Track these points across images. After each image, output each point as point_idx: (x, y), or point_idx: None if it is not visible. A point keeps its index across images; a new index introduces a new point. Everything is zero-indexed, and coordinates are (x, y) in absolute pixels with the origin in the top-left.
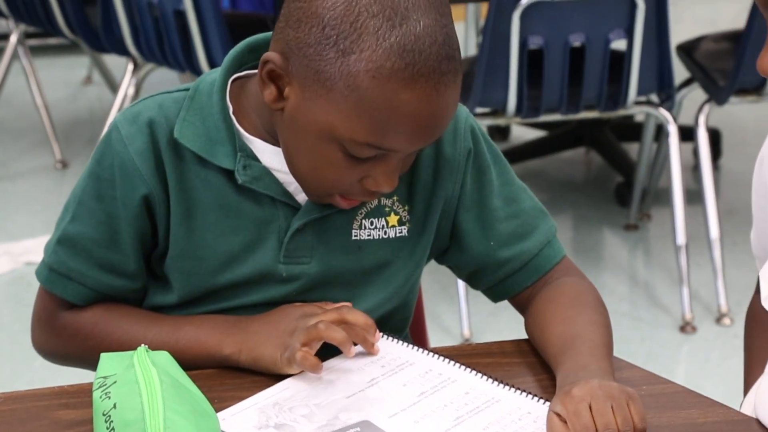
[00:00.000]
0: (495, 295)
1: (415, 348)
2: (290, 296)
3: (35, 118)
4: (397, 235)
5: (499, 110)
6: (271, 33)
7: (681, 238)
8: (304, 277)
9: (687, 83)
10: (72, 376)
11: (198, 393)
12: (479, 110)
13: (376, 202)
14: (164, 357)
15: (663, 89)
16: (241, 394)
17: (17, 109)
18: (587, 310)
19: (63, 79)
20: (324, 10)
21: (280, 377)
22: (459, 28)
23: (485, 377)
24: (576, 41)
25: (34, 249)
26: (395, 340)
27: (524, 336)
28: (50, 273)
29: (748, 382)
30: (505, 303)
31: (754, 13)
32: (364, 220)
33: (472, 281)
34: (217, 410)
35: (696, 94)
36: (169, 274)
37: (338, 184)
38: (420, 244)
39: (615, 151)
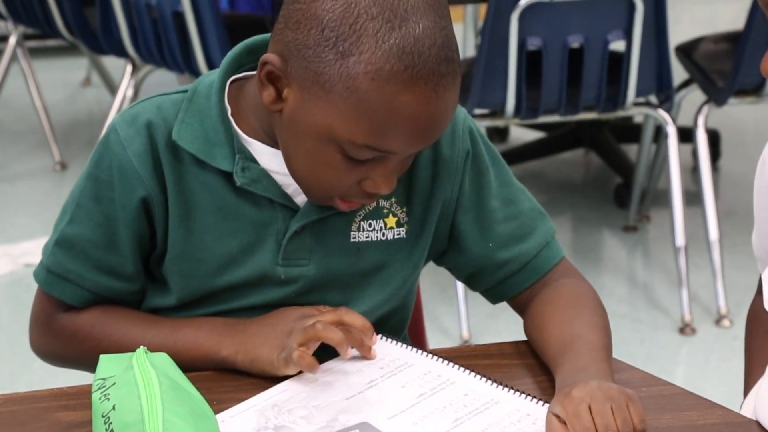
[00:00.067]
0: (494, 297)
1: (414, 349)
2: (288, 298)
3: (34, 120)
4: (396, 236)
5: (497, 111)
6: (269, 34)
7: (680, 240)
8: (303, 279)
9: (686, 84)
10: (71, 377)
11: (197, 395)
12: (478, 111)
13: (374, 203)
14: (163, 358)
15: (662, 90)
16: (240, 395)
17: (16, 110)
18: (586, 311)
19: (62, 80)
20: (323, 11)
21: (278, 379)
22: (457, 29)
23: (484, 379)
24: (575, 42)
25: (33, 251)
26: (394, 342)
27: (523, 337)
28: (48, 275)
29: (749, 384)
30: (504, 304)
31: (753, 14)
32: (362, 222)
33: (471, 283)
34: (216, 412)
35: (695, 95)
36: (168, 276)
37: (337, 186)
38: (418, 245)
39: (614, 152)
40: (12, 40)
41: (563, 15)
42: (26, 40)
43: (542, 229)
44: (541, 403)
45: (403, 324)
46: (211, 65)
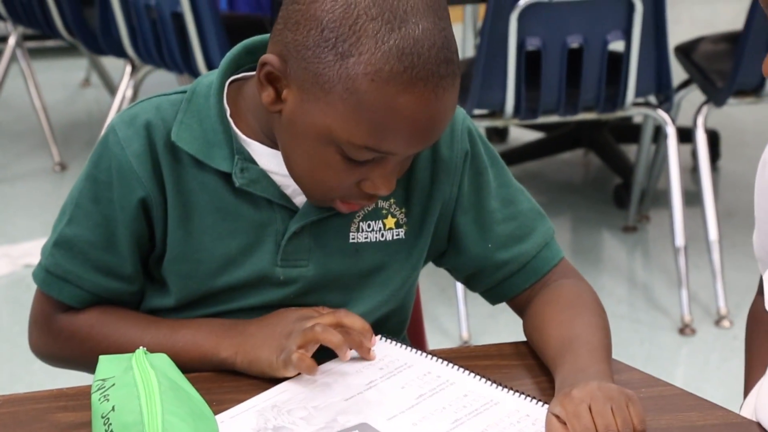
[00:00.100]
0: (493, 298)
1: (414, 350)
2: (287, 299)
3: (33, 121)
4: (394, 237)
5: (497, 112)
6: (268, 35)
7: (680, 240)
8: (302, 280)
9: (685, 84)
10: (71, 378)
11: (196, 395)
12: (477, 112)
13: (373, 204)
14: (163, 359)
15: (661, 91)
16: (239, 396)
17: (15, 111)
18: (586, 312)
19: (61, 81)
20: (323, 12)
21: (278, 380)
22: (457, 30)
23: (484, 379)
24: (574, 42)
25: (32, 251)
26: (393, 343)
27: (523, 338)
28: (47, 275)
29: (749, 384)
30: (504, 305)
31: (752, 14)
32: (361, 223)
33: (470, 283)
34: (216, 413)
35: (694, 96)
36: (167, 277)
37: (336, 187)
38: (417, 246)
39: (613, 152)
40: (11, 40)
41: (562, 15)
42: (26, 40)
43: (541, 230)
44: (540, 403)
45: (402, 325)
46: (211, 66)
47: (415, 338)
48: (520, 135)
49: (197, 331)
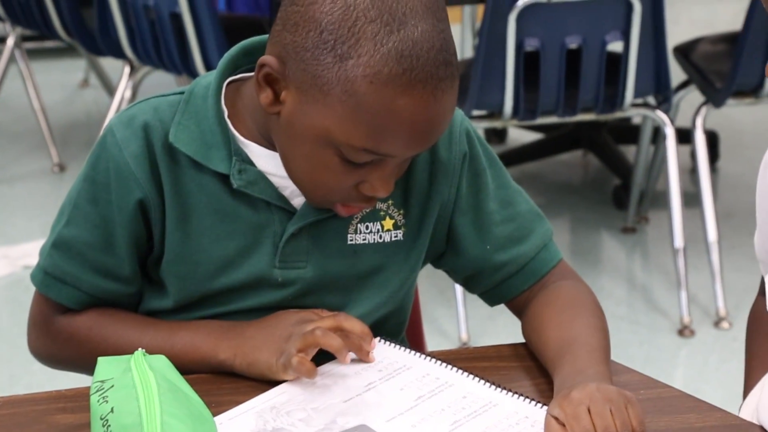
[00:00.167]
0: (492, 299)
1: (413, 352)
2: (286, 301)
3: (32, 122)
4: (393, 239)
5: (495, 113)
6: (266, 36)
7: (679, 241)
8: (300, 281)
9: (684, 85)
10: (70, 380)
11: (195, 397)
12: (476, 113)
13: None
14: (162, 361)
15: (660, 91)
16: (238, 398)
17: (14, 112)
18: (584, 313)
19: (60, 82)
20: (321, 14)
21: (277, 382)
22: (455, 30)
23: (482, 381)
24: (572, 43)
25: (31, 252)
26: (392, 344)
27: (521, 340)
28: (45, 276)
29: (748, 385)
30: (502, 307)
31: (751, 15)
32: (359, 225)
33: (469, 285)
34: (215, 414)
35: (693, 97)
36: (165, 278)
37: (334, 189)
38: (415, 248)
39: (612, 153)
40: (10, 41)
41: (561, 16)
42: (24, 41)
43: (540, 231)
44: (539, 405)
45: (401, 327)
46: (209, 66)
47: (413, 340)
48: (519, 136)
49: (196, 332)
